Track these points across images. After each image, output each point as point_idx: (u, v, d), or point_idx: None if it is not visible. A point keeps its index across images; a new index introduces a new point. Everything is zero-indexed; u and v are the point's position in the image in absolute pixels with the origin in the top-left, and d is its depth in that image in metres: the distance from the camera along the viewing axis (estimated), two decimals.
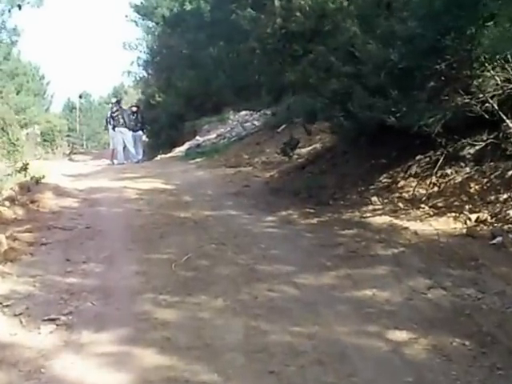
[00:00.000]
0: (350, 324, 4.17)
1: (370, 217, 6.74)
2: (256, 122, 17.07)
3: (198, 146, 17.02)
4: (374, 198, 7.18)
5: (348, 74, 6.82)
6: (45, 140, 32.65)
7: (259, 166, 10.98)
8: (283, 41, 7.91)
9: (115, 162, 16.91)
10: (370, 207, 7.06)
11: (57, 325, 4.21)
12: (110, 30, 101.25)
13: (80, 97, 52.62)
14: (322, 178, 8.25)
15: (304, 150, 10.10)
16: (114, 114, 16.88)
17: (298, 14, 7.61)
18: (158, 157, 18.82)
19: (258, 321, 4.18)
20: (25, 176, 9.41)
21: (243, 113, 18.84)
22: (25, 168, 8.74)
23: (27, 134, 30.52)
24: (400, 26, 6.40)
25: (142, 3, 26.99)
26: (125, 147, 16.95)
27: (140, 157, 17.14)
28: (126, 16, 28.13)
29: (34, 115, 33.04)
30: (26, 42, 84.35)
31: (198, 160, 13.79)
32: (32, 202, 8.28)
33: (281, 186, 8.75)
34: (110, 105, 18.88)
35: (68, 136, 44.88)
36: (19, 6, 15.30)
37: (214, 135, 17.90)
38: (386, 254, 5.48)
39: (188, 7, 22.09)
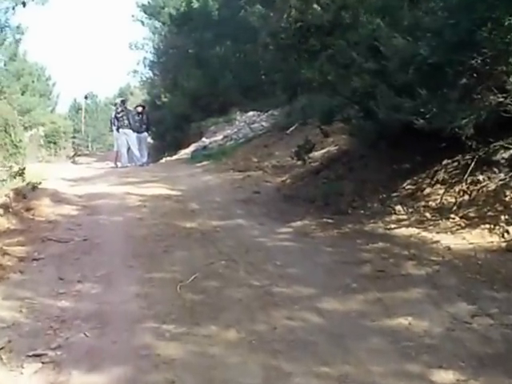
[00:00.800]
0: (385, 362, 3.54)
1: (395, 228, 6.12)
2: (264, 123, 16.52)
3: (205, 147, 16.47)
4: (398, 207, 6.56)
5: (371, 71, 6.20)
6: (49, 142, 32.13)
7: (269, 170, 10.35)
8: (298, 35, 7.29)
9: (119, 164, 16.33)
10: (394, 217, 6.43)
11: (43, 362, 3.60)
12: (117, 29, 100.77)
13: (85, 97, 52.11)
14: (339, 184, 7.60)
15: (317, 153, 9.47)
16: (119, 115, 16.23)
17: (315, 5, 6.99)
18: (163, 159, 18.34)
19: (278, 359, 3.56)
20: (22, 181, 8.83)
21: (250, 113, 18.32)
22: (21, 173, 8.11)
23: (31, 135, 30.04)
24: (430, 17, 5.80)
25: (148, 3, 26.55)
26: (129, 149, 16.33)
27: (145, 159, 16.52)
28: (133, 16, 27.67)
29: (39, 116, 32.55)
30: (32, 43, 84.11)
31: (204, 163, 13.20)
32: (27, 209, 7.71)
33: (294, 193, 8.12)
34: (115, 105, 18.25)
35: (73, 137, 44.50)
36: (23, 4, 14.74)
37: (221, 136, 17.37)
38: (418, 274, 4.85)
39: (195, 5, 21.53)
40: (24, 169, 8.22)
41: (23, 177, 8.17)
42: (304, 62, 7.10)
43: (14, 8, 17.59)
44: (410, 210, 6.48)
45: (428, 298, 4.40)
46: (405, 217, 6.39)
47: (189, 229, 6.70)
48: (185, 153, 17.78)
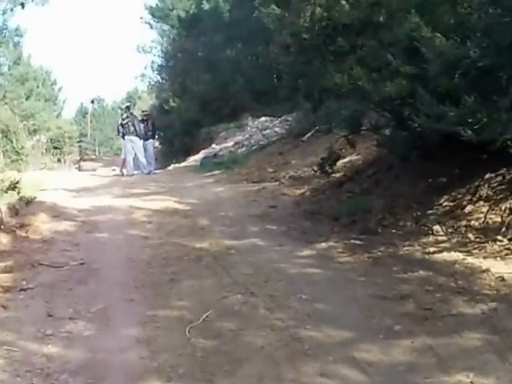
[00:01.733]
0: None
1: (434, 252, 5.33)
2: (277, 129, 15.83)
3: (215, 155, 15.74)
4: (436, 227, 5.79)
5: (408, 75, 5.42)
6: (55, 148, 31.49)
7: (286, 181, 9.59)
8: (323, 35, 6.54)
9: (124, 172, 15.60)
10: (432, 238, 5.67)
11: None
12: (125, 32, 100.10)
13: (92, 102, 51.65)
14: (366, 199, 6.83)
15: (339, 163, 8.66)
16: (124, 122, 15.42)
17: (342, 1, 6.23)
18: (171, 166, 17.70)
19: None
20: (18, 194, 8.10)
21: (263, 119, 17.63)
22: (13, 187, 7.36)
23: (38, 140, 29.47)
24: (477, 13, 5.05)
25: (157, 5, 26.02)
26: (135, 157, 15.55)
27: (152, 168, 15.73)
28: (141, 18, 27.11)
29: (44, 121, 31.97)
30: (38, 47, 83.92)
31: (215, 172, 12.49)
32: (21, 226, 7.00)
33: (315, 208, 7.34)
34: (121, 110, 17.52)
35: (80, 141, 44.02)
36: (22, 5, 14.08)
37: (232, 143, 16.67)
38: (473, 313, 4.05)
39: (206, 6, 20.85)
40: (17, 182, 7.45)
41: (16, 190, 7.41)
42: (330, 65, 6.33)
43: (12, 9, 16.87)
44: (450, 231, 5.73)
45: (489, 345, 3.61)
46: (444, 238, 5.64)
47: (199, 250, 5.96)
48: (194, 160, 17.10)
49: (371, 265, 5.22)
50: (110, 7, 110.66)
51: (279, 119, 16.47)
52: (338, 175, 8.21)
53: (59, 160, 27.04)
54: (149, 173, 15.21)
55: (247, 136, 16.58)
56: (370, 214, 6.47)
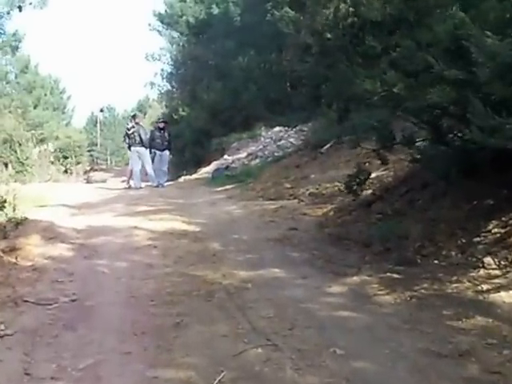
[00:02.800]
0: None
1: (489, 291, 4.49)
2: (292, 140, 15.10)
3: (227, 167, 14.98)
4: (488, 259, 4.94)
5: (453, 81, 4.60)
6: (64, 157, 30.88)
7: (306, 198, 8.77)
8: (350, 35, 5.74)
9: (131, 184, 14.85)
10: (483, 272, 4.82)
11: None
12: (134, 40, 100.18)
13: (101, 111, 51.24)
14: (400, 223, 5.99)
15: None
16: (129, 132, 14.66)
17: None
18: (182, 178, 16.98)
19: None
20: (13, 211, 7.32)
21: (277, 129, 16.87)
22: (1, 206, 6.58)
23: (45, 149, 28.84)
24: None
25: (166, 11, 25.38)
26: (142, 168, 14.77)
27: (162, 181, 14.92)
28: (149, 25, 26.47)
29: (53, 130, 31.37)
30: (47, 56, 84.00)
31: (227, 187, 11.72)
32: (12, 250, 6.21)
33: (342, 232, 6.50)
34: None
35: (91, 151, 43.58)
36: (20, 8, 13.31)
37: (245, 154, 15.93)
38: None
39: (215, 11, 20.13)
40: (5, 201, 6.67)
41: (5, 210, 6.63)
42: (359, 69, 5.51)
43: (8, 13, 16.10)
44: (504, 263, 4.88)
45: None
46: (498, 272, 4.79)
47: (210, 283, 5.15)
48: (205, 171, 16.40)
49: (416, 307, 4.37)
50: (118, 15, 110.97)
51: (294, 129, 15.71)
52: (364, 193, 7.34)
53: (66, 171, 26.33)
54: (157, 186, 14.49)
55: (261, 147, 15.82)
56: (406, 241, 5.63)
